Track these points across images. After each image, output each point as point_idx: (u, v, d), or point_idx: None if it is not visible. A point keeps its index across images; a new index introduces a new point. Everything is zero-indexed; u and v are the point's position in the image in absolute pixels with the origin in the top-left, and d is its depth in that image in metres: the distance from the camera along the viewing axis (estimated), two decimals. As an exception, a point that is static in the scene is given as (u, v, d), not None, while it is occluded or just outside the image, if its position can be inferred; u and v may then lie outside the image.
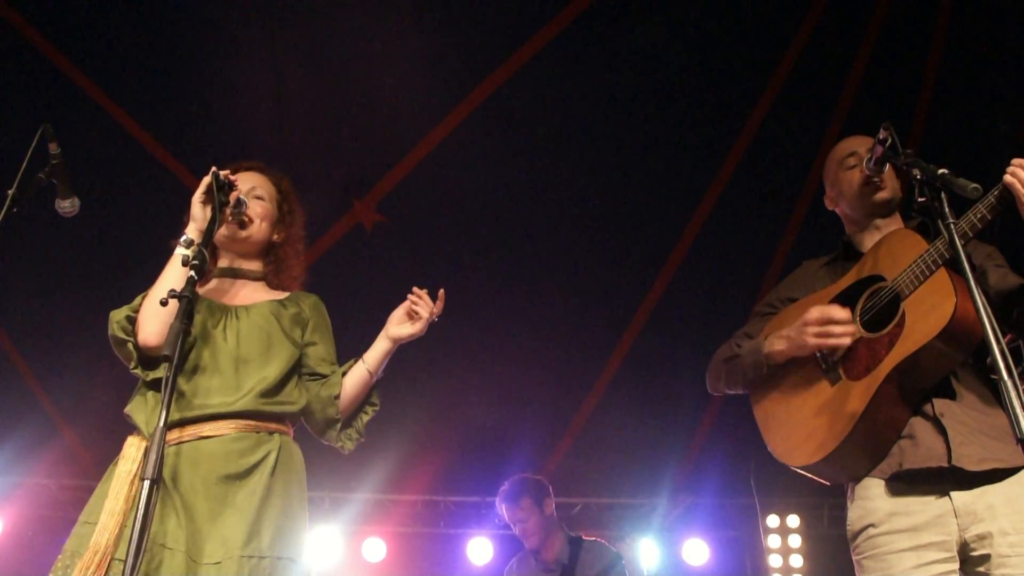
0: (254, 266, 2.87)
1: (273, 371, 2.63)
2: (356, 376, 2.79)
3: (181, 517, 2.37)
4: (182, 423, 2.48)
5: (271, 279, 2.88)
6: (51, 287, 6.72)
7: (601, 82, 6.55)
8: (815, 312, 2.62)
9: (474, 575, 7.89)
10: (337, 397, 2.74)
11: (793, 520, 8.14)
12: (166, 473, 2.39)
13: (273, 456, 2.54)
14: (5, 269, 6.33)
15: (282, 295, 2.83)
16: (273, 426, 2.60)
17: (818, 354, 2.70)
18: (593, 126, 6.70)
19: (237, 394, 2.54)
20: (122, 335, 2.54)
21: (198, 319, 2.59)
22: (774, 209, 7.05)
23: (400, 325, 2.82)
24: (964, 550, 2.47)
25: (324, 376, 2.78)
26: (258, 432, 2.55)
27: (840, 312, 2.59)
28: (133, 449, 2.48)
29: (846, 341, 2.57)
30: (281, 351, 2.68)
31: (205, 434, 2.48)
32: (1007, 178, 2.38)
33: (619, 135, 6.71)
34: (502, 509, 5.20)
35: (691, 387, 7.02)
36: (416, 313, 2.81)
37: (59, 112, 6.07)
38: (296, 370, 2.73)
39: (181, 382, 2.50)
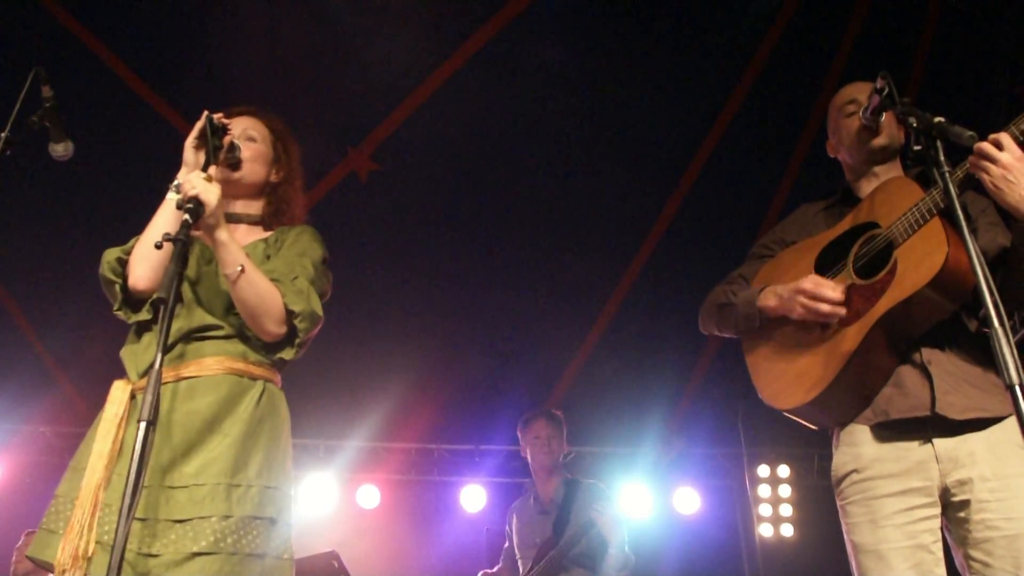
0: (252, 209, 2.79)
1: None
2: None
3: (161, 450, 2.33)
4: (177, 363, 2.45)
5: (269, 221, 2.79)
6: (46, 233, 6.69)
7: (598, 28, 6.48)
8: (809, 284, 2.64)
9: (467, 522, 7.98)
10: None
11: (783, 470, 8.20)
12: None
13: (256, 396, 2.48)
14: (-1, 214, 6.32)
15: (268, 234, 2.74)
16: (256, 371, 2.53)
17: None
18: (589, 75, 6.64)
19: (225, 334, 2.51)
20: (111, 275, 2.51)
21: (192, 261, 2.54)
22: (771, 157, 7.02)
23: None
24: (945, 495, 2.50)
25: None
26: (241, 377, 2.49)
27: (832, 292, 2.61)
28: (119, 392, 2.45)
29: (830, 320, 2.62)
30: None
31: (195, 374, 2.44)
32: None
33: (615, 84, 6.65)
34: (538, 424, 5.40)
35: (684, 337, 7.12)
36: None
37: (51, 57, 5.98)
38: None
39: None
